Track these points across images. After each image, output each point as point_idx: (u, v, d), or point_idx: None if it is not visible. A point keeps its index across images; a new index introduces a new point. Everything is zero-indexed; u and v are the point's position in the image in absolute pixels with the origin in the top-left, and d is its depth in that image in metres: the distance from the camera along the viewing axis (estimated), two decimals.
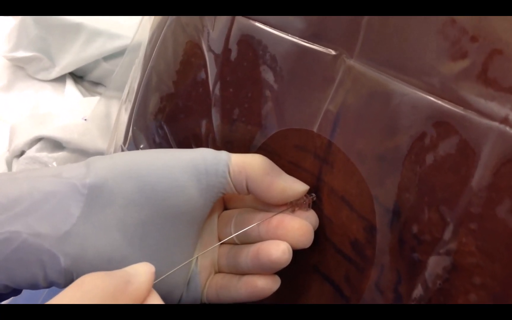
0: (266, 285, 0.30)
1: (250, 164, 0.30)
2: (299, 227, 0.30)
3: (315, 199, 0.31)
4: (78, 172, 0.29)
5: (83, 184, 0.29)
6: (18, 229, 0.27)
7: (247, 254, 0.31)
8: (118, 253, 0.29)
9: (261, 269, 0.30)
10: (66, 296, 0.22)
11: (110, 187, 0.29)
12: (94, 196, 0.29)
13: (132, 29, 0.53)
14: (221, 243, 0.32)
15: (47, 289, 0.44)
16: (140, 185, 0.29)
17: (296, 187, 0.30)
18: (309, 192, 0.31)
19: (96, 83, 0.77)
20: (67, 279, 0.28)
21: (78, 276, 0.27)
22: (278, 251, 0.29)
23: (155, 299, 0.25)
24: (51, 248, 0.28)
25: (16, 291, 0.30)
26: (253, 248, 0.30)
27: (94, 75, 0.75)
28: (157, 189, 0.29)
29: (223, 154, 0.30)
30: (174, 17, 0.37)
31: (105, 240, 0.29)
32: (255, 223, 0.30)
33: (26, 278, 0.28)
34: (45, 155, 0.57)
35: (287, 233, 0.30)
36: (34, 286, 0.29)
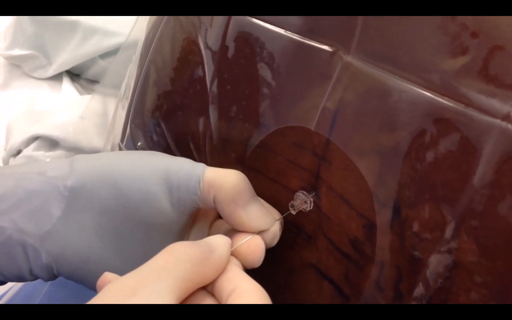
0: None
1: (220, 185, 0.28)
2: (247, 245, 0.28)
3: (314, 198, 0.30)
4: (62, 172, 0.30)
5: (64, 185, 0.29)
6: (3, 225, 0.28)
7: None
8: (95, 255, 0.29)
9: None
10: (161, 260, 0.23)
11: (88, 191, 0.29)
12: (74, 198, 0.29)
13: (129, 26, 0.53)
14: None
15: (47, 285, 0.44)
16: (115, 192, 0.29)
17: (257, 224, 0.29)
18: (307, 191, 0.30)
19: (93, 81, 0.77)
20: (49, 274, 0.29)
21: (58, 272, 0.29)
22: None
23: (235, 266, 0.26)
24: (34, 244, 0.28)
25: (1, 282, 0.31)
26: None
27: (91, 73, 0.75)
28: (130, 199, 0.29)
29: (198, 169, 0.29)
30: None
31: (82, 242, 0.29)
32: (240, 242, 0.29)
33: (13, 271, 0.29)
34: (41, 154, 0.57)
35: (238, 251, 0.29)
36: (20, 279, 0.30)
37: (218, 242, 0.26)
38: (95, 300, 0.22)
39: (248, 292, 0.24)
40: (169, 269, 0.23)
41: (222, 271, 0.25)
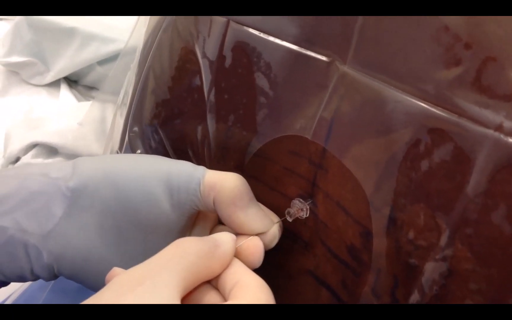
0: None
1: (220, 187, 0.29)
2: (246, 247, 0.29)
3: (311, 205, 0.31)
4: (64, 173, 0.30)
5: (67, 186, 0.30)
6: (6, 225, 0.29)
7: None
8: (95, 254, 0.30)
9: None
10: (168, 253, 0.24)
11: (90, 191, 0.30)
12: (76, 198, 0.30)
13: (127, 33, 0.53)
14: None
15: (46, 292, 0.44)
16: (116, 193, 0.30)
17: (255, 226, 0.29)
18: (304, 198, 0.31)
19: (91, 88, 0.77)
20: (50, 274, 0.30)
21: (58, 271, 0.30)
22: None
23: (239, 261, 0.27)
24: (36, 243, 0.29)
25: (4, 283, 0.31)
26: None
27: (89, 79, 0.75)
28: (131, 200, 0.29)
29: (199, 171, 0.30)
30: (169, 21, 0.37)
31: (84, 241, 0.30)
32: (239, 244, 0.29)
33: (14, 270, 0.29)
34: (40, 161, 0.57)
35: (238, 251, 0.29)
36: (22, 279, 0.30)
37: (224, 238, 0.27)
38: (104, 291, 0.23)
39: (250, 286, 0.25)
40: (176, 261, 0.24)
41: (226, 266, 0.26)
